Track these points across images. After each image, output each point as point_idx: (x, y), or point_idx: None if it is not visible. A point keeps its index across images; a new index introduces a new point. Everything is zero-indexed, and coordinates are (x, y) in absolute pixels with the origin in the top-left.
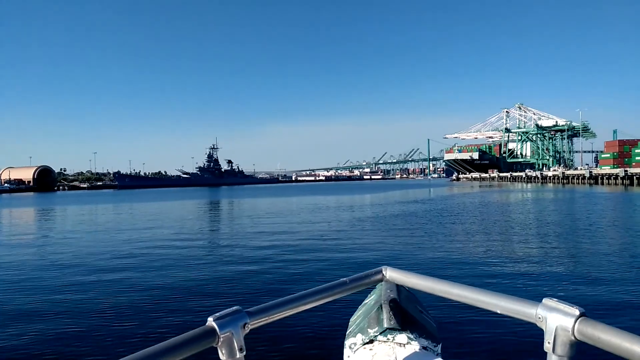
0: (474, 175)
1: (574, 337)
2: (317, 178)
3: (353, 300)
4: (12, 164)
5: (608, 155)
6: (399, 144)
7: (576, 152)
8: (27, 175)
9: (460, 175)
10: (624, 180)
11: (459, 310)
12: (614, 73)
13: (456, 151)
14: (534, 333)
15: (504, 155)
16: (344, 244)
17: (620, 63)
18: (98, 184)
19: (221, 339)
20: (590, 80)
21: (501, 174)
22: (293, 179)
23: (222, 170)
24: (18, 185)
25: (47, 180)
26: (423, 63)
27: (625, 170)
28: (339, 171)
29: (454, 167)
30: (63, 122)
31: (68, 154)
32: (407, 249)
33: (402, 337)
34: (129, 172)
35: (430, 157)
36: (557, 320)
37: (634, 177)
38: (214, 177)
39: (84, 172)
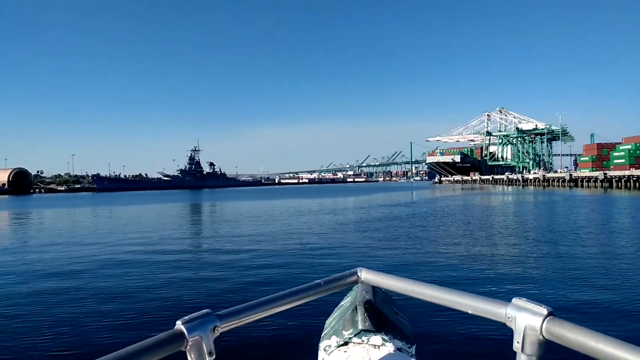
0: (456, 178)
1: (542, 336)
2: (301, 181)
3: (329, 302)
4: None
5: (587, 158)
6: (382, 147)
7: (555, 155)
8: (1, 177)
9: (443, 178)
10: (604, 183)
11: (434, 311)
12: (591, 78)
13: (438, 154)
14: (506, 333)
15: (485, 158)
16: (324, 247)
17: (596, 68)
18: (76, 186)
19: (190, 343)
20: (569, 84)
21: (483, 177)
22: (276, 181)
23: (204, 172)
24: None
25: (22, 183)
26: (406, 67)
27: (605, 173)
28: (323, 174)
29: (437, 170)
30: (40, 123)
31: (45, 156)
32: (387, 253)
33: (376, 339)
34: (108, 175)
35: (413, 160)
36: (525, 319)
37: (613, 180)
38: (196, 179)
39: (62, 174)
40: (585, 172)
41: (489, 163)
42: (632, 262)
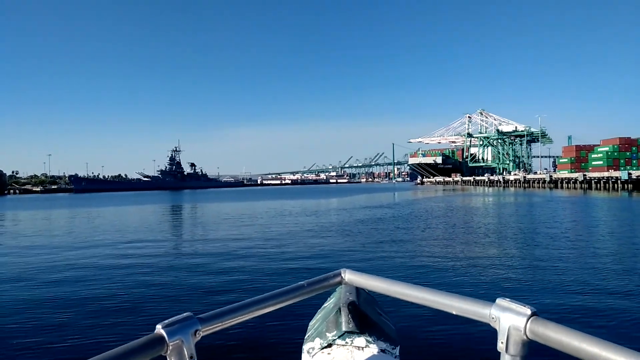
0: (437, 179)
1: (526, 336)
2: (283, 182)
3: (312, 303)
4: None
5: (566, 160)
6: (365, 148)
7: (534, 157)
8: None
9: (425, 179)
10: (583, 185)
11: (418, 311)
12: (568, 81)
13: (420, 155)
14: (490, 333)
15: (466, 159)
16: (306, 250)
17: (574, 71)
18: (52, 187)
19: (170, 347)
20: (547, 87)
21: (464, 178)
22: (259, 182)
23: (185, 173)
24: None
25: None
26: (388, 69)
27: (584, 175)
28: (306, 175)
29: (418, 171)
30: (14, 122)
31: (20, 156)
32: (370, 256)
33: (360, 341)
34: (86, 175)
35: (395, 161)
36: (509, 320)
37: (592, 182)
38: (176, 180)
39: (38, 175)
40: (564, 174)
41: (470, 164)
42: (612, 262)
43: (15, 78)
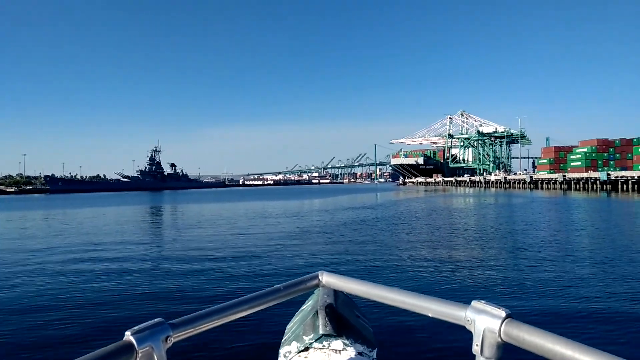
0: (419, 180)
1: (501, 338)
2: (266, 182)
3: (290, 306)
4: None
5: (545, 160)
6: (347, 149)
7: (514, 157)
8: None
9: (407, 180)
10: (563, 185)
11: (397, 314)
12: (547, 83)
13: (402, 156)
14: (466, 335)
15: (447, 160)
16: (286, 253)
17: (552, 73)
18: (28, 188)
19: (140, 354)
20: (526, 88)
21: (446, 179)
22: (240, 183)
23: (165, 173)
24: None
25: None
26: (370, 71)
27: (564, 176)
28: (288, 175)
29: (400, 172)
30: None
31: None
32: (352, 259)
33: (337, 344)
34: (62, 176)
35: (377, 161)
36: (484, 322)
37: (572, 182)
38: (156, 181)
39: (12, 175)
40: (544, 174)
41: (451, 165)
42: (591, 265)
43: None
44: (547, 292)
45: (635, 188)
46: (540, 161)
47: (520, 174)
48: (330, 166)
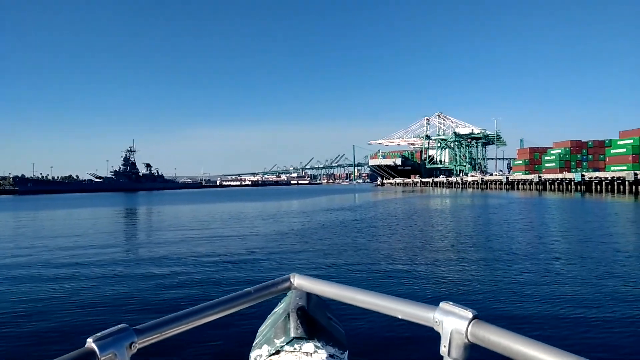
0: (397, 181)
1: (468, 339)
2: (244, 183)
3: (263, 309)
4: None
5: (520, 162)
6: (326, 150)
7: (489, 159)
8: None
9: (385, 181)
10: (538, 186)
11: (369, 316)
12: (520, 85)
13: (380, 157)
14: (435, 337)
15: (424, 161)
16: (261, 257)
17: (525, 76)
18: None
19: None
20: (501, 90)
21: (424, 180)
22: (218, 183)
23: (140, 174)
24: None
25: None
26: (349, 72)
27: (539, 176)
28: (266, 176)
29: (378, 173)
30: None
31: None
32: (329, 262)
33: (309, 346)
34: (32, 176)
35: (356, 162)
36: (452, 323)
37: (547, 183)
38: (131, 181)
39: None
40: (519, 175)
41: (428, 166)
42: (561, 265)
43: None
44: (517, 293)
45: (609, 189)
46: (515, 162)
47: (496, 175)
48: (309, 167)
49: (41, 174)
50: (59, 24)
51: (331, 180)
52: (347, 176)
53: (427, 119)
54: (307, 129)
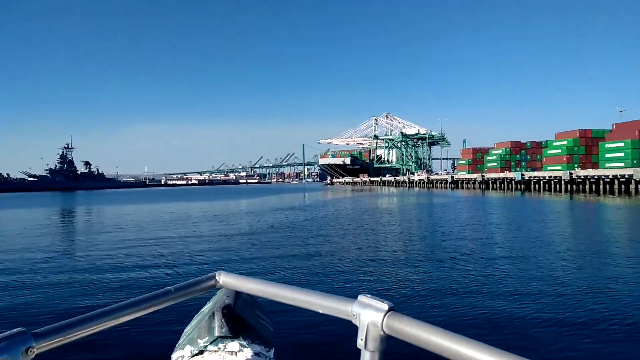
0: (347, 180)
1: (383, 331)
2: (190, 182)
3: (191, 309)
4: None
5: (464, 161)
6: (275, 148)
7: (435, 158)
8: None
9: (334, 180)
10: (481, 185)
11: (300, 311)
12: (462, 88)
13: (330, 156)
14: (355, 330)
15: (372, 160)
16: (202, 264)
17: (467, 78)
18: None
19: None
20: (445, 92)
21: (372, 179)
22: (162, 182)
23: (78, 172)
24: None
25: None
26: (300, 70)
27: (483, 176)
28: (214, 175)
29: (328, 172)
30: None
31: None
32: (276, 266)
33: (233, 345)
34: None
35: (306, 161)
36: (368, 316)
37: (490, 182)
38: (68, 180)
39: None
40: (463, 175)
41: (376, 165)
42: (492, 262)
43: None
44: (444, 287)
45: (546, 187)
46: (459, 162)
47: (441, 174)
48: (258, 166)
49: None
50: None
51: (281, 180)
52: (297, 175)
53: (375, 119)
54: (257, 128)
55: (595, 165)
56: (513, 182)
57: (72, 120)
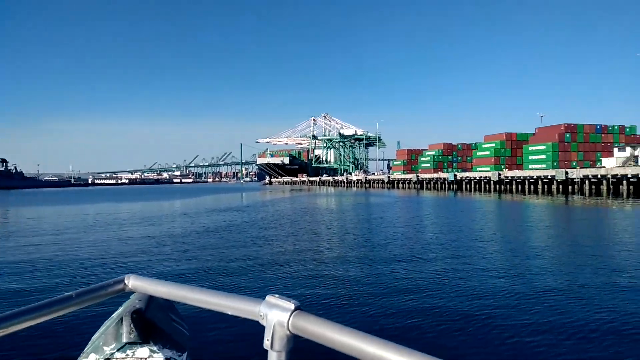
0: (285, 180)
1: (289, 331)
2: (120, 181)
3: (100, 315)
4: None
5: (399, 162)
6: (212, 147)
7: (371, 159)
8: None
9: (273, 179)
10: (416, 185)
11: (219, 314)
12: (396, 90)
13: (268, 156)
14: (263, 331)
15: (311, 160)
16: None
17: (400, 81)
18: None
19: None
20: (381, 95)
21: (311, 178)
22: (90, 182)
23: None
24: None
25: None
26: (237, 68)
27: (418, 176)
28: (146, 174)
29: (267, 171)
30: None
31: None
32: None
33: (143, 351)
34: None
35: (243, 161)
36: (275, 316)
37: (424, 182)
38: None
39: None
40: (399, 175)
41: (314, 165)
42: (417, 261)
43: None
44: (371, 285)
45: (477, 187)
46: (394, 162)
47: (378, 175)
48: (193, 165)
49: None
50: None
51: (217, 179)
52: (235, 175)
53: (314, 120)
54: (192, 126)
55: (520, 167)
56: (446, 182)
57: None
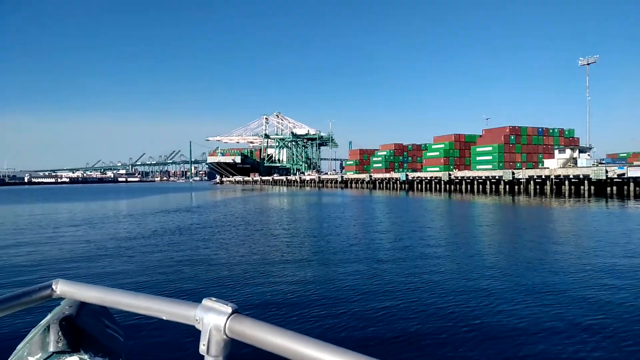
0: (237, 179)
1: (226, 335)
2: (60, 180)
3: (26, 323)
4: None
5: (352, 162)
6: (159, 146)
7: (324, 159)
8: None
9: (224, 179)
10: (369, 184)
11: (155, 319)
12: (350, 91)
13: (219, 154)
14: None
15: (263, 159)
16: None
17: (353, 82)
18: None
19: None
20: (333, 94)
21: (264, 178)
22: (26, 180)
23: None
24: None
25: None
26: (186, 65)
27: (370, 176)
28: (89, 172)
29: (217, 170)
30: None
31: None
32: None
33: None
34: None
35: (193, 159)
36: (212, 320)
37: (376, 182)
38: None
39: None
40: (352, 175)
41: (267, 164)
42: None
43: None
44: (320, 285)
45: (428, 187)
46: (347, 162)
47: (330, 174)
48: (139, 163)
49: None
50: None
51: (165, 178)
52: (183, 174)
53: (266, 118)
54: (138, 122)
55: (468, 167)
56: (398, 182)
57: None
